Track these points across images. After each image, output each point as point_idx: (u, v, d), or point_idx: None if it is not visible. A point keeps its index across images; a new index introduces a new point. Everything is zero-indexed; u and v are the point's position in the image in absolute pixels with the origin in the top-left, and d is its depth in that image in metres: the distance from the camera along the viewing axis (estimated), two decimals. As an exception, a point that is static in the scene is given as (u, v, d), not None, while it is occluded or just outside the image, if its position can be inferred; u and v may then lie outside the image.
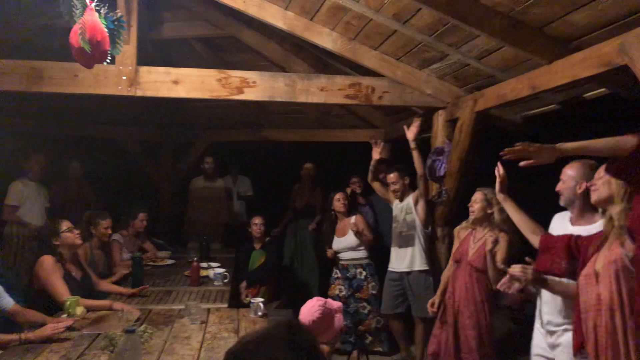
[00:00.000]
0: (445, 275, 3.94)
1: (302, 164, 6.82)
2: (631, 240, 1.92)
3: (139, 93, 4.37)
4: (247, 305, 3.81)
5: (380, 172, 5.01)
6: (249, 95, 4.51)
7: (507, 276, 2.69)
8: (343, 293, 4.90)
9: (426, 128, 5.75)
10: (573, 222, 2.80)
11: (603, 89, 3.62)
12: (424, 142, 6.73)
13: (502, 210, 3.46)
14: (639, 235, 1.88)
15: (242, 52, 6.01)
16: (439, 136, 4.79)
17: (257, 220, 5.33)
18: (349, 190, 5.86)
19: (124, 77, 4.27)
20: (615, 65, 2.77)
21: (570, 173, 2.78)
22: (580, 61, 3.07)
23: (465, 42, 3.79)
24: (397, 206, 4.80)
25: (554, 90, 3.59)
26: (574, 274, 2.35)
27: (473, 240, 3.74)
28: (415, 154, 4.56)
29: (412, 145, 4.60)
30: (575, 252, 2.40)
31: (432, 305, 3.84)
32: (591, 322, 2.08)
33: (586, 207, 2.69)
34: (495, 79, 4.15)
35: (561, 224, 2.89)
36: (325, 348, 2.59)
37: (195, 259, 4.73)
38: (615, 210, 2.07)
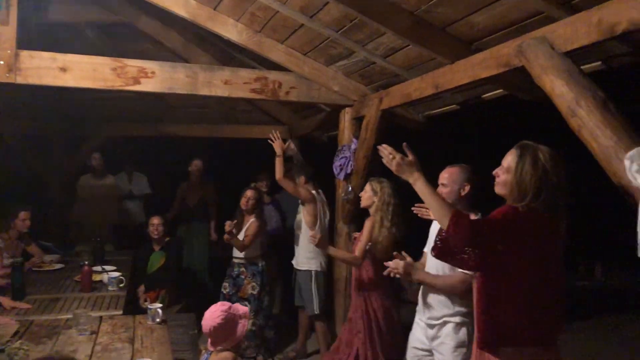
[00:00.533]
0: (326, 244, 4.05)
1: (208, 160, 6.53)
2: None
3: (20, 80, 3.92)
4: (145, 312, 3.54)
5: (289, 169, 4.91)
6: (147, 86, 4.21)
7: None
8: (227, 290, 4.77)
9: (333, 126, 5.76)
10: None
11: (501, 90, 3.75)
12: (331, 140, 6.77)
13: (382, 200, 3.75)
14: None
15: (140, 40, 5.65)
16: (345, 134, 4.77)
17: (156, 220, 5.01)
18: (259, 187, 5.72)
19: (1, 62, 3.82)
20: (514, 66, 2.85)
21: (452, 177, 2.85)
22: (480, 61, 3.14)
23: (372, 39, 3.78)
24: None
25: (455, 90, 3.67)
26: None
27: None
28: (278, 161, 4.56)
29: (279, 152, 4.59)
30: None
31: None
32: None
33: (464, 209, 2.74)
34: (400, 78, 4.19)
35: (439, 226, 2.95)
36: (228, 355, 2.44)
37: (86, 262, 4.36)
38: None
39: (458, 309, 2.79)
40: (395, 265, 2.78)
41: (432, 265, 2.87)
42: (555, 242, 2.10)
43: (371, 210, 3.80)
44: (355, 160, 4.49)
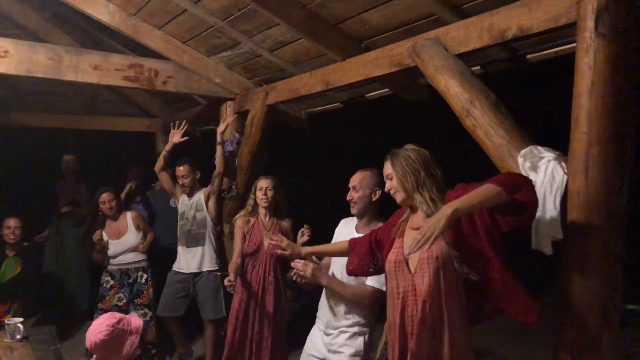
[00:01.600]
0: (232, 269, 3.69)
1: (64, 154, 5.85)
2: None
3: None
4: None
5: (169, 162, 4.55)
6: (-1, 67, 3.65)
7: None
8: (124, 301, 4.34)
9: (212, 119, 5.51)
10: (358, 229, 2.79)
11: (386, 90, 3.85)
12: (205, 134, 6.49)
13: (284, 198, 3.70)
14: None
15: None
16: (228, 129, 4.57)
17: (11, 222, 4.37)
18: (127, 186, 5.26)
19: None
20: (406, 66, 2.92)
21: (365, 181, 2.75)
22: (373, 60, 3.18)
23: (260, 31, 3.66)
24: (184, 202, 4.40)
25: (340, 88, 3.69)
26: (381, 271, 2.39)
27: (265, 229, 3.68)
28: (219, 149, 4.29)
29: (219, 139, 4.33)
30: (376, 248, 2.43)
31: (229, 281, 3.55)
32: (399, 308, 2.10)
33: (374, 215, 2.75)
34: (285, 73, 4.11)
35: (347, 229, 2.88)
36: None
37: None
38: (419, 200, 2.13)
39: (357, 319, 2.72)
40: (303, 268, 2.61)
41: (338, 269, 2.81)
42: None
43: (275, 210, 3.73)
44: (240, 156, 4.32)
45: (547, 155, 2.11)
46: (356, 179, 2.75)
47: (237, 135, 4.43)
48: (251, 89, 4.49)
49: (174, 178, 4.41)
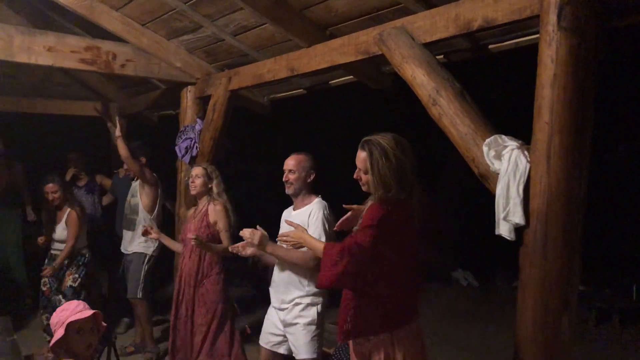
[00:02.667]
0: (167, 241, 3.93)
1: (11, 138, 5.58)
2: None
3: None
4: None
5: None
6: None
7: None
8: (47, 287, 4.26)
9: (170, 104, 5.40)
10: (295, 207, 3.02)
11: (349, 77, 3.86)
12: (163, 119, 6.35)
13: (219, 184, 3.64)
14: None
15: None
16: (188, 113, 4.49)
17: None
18: (68, 173, 5.12)
19: None
20: (373, 54, 2.94)
21: (300, 164, 2.95)
22: (339, 47, 3.18)
23: (224, 14, 3.59)
24: (131, 186, 4.55)
25: (305, 75, 3.67)
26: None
27: (194, 216, 3.68)
28: (119, 142, 4.27)
29: (118, 133, 4.31)
30: None
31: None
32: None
33: (308, 192, 2.98)
34: (248, 58, 4.06)
35: (287, 214, 3.06)
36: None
37: None
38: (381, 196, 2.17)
39: (308, 289, 2.86)
40: (250, 235, 2.67)
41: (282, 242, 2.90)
42: (413, 224, 2.17)
43: (208, 197, 3.64)
44: (201, 142, 4.25)
45: (511, 144, 2.17)
46: (291, 162, 2.96)
47: (198, 120, 4.36)
48: (213, 73, 4.41)
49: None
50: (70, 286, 4.20)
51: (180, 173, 4.51)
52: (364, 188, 2.26)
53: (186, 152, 4.24)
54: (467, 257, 7.52)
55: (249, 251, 2.80)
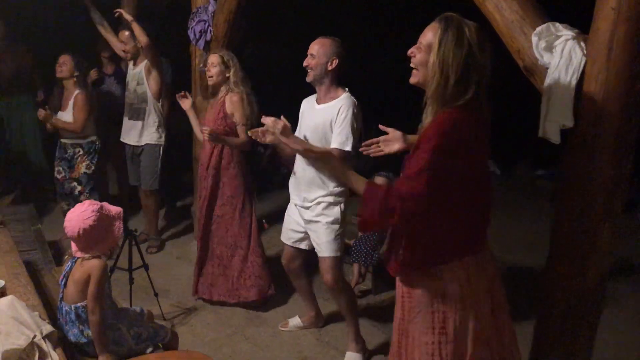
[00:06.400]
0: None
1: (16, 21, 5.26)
2: None
3: None
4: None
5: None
6: None
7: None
8: (62, 175, 4.23)
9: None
10: (319, 101, 2.79)
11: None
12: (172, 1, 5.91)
13: (237, 72, 3.38)
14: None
15: None
16: (200, -7, 4.13)
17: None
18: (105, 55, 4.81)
19: None
20: None
21: (322, 49, 2.68)
22: None
23: None
24: (130, 72, 4.24)
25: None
26: None
27: (211, 106, 3.51)
28: (135, 25, 3.95)
29: (130, 18, 3.99)
30: None
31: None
32: None
33: (332, 82, 2.73)
34: None
35: (308, 106, 2.86)
36: (97, 264, 2.09)
37: None
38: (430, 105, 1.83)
39: (332, 189, 2.76)
40: (273, 125, 2.39)
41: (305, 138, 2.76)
42: (486, 137, 1.79)
43: (226, 86, 3.40)
44: (215, 25, 3.94)
45: (565, 34, 1.91)
46: (315, 47, 2.71)
47: (211, 1, 4.01)
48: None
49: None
50: (85, 173, 4.18)
51: (195, 59, 4.26)
52: (412, 76, 1.79)
53: (200, 37, 3.94)
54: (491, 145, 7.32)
55: (269, 138, 2.53)
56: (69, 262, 2.20)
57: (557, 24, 1.95)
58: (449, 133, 1.65)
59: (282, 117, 2.50)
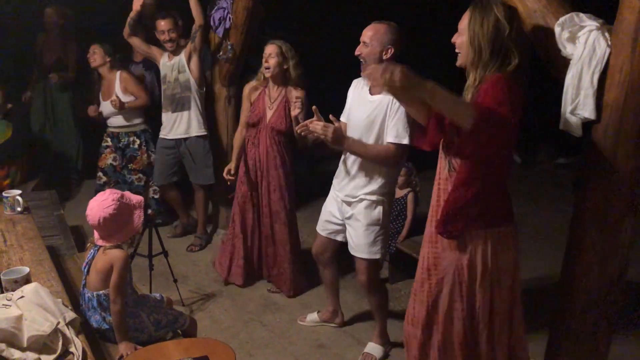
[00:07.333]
0: (237, 139, 3.60)
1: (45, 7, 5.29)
2: None
3: None
4: (-1, 200, 2.98)
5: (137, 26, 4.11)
6: None
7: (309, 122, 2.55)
8: (117, 163, 4.32)
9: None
10: (372, 91, 2.61)
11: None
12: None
13: (297, 66, 3.27)
14: None
15: None
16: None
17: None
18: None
19: None
20: None
21: (377, 36, 2.47)
22: None
23: None
24: (165, 64, 4.04)
25: None
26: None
27: (270, 100, 3.40)
28: (193, 3, 3.81)
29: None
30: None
31: (229, 172, 3.51)
32: None
33: None
34: None
35: (357, 92, 2.71)
36: (119, 254, 2.12)
37: None
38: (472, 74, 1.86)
39: (376, 187, 2.64)
40: (323, 131, 2.42)
41: (356, 134, 2.63)
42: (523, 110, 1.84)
43: (284, 80, 3.32)
44: (234, 12, 3.93)
45: (590, 24, 1.87)
46: (368, 33, 2.50)
47: (230, -12, 3.99)
48: None
49: (149, 41, 4.12)
50: (149, 163, 4.31)
51: (213, 46, 4.25)
52: (458, 58, 1.92)
53: (219, 24, 3.93)
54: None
55: (312, 137, 2.56)
56: (92, 250, 2.25)
57: (581, 14, 1.90)
58: (510, 87, 1.76)
59: (330, 117, 2.51)
